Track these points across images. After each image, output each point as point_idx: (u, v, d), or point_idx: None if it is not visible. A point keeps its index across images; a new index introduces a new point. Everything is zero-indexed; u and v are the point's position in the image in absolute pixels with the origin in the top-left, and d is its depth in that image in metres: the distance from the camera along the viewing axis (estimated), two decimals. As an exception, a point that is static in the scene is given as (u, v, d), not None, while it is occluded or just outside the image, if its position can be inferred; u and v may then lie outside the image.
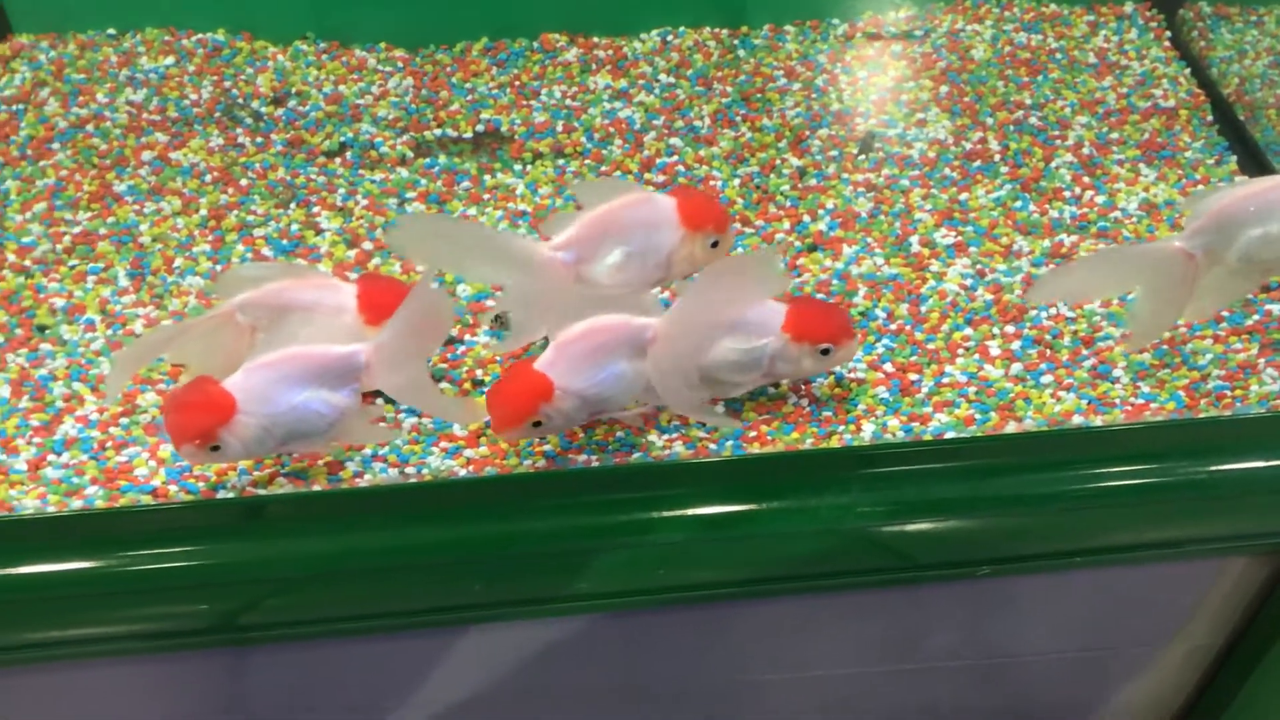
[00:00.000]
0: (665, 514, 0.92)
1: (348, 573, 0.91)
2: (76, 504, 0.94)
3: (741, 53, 1.45)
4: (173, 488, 0.95)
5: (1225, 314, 1.10)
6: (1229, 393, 1.02)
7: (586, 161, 1.29)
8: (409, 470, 0.97)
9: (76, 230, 1.19)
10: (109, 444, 0.99)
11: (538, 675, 1.05)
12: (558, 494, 0.93)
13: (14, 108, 1.34)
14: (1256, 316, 1.10)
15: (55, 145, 1.29)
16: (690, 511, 0.92)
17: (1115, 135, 1.31)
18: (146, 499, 0.95)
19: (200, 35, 1.45)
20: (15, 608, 0.86)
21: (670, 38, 1.47)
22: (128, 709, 1.01)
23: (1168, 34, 1.47)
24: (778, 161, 1.28)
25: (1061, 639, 1.12)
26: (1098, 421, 1.00)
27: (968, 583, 1.02)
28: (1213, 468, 0.93)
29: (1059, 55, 1.43)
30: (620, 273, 0.96)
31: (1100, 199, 1.23)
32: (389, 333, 0.91)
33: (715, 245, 0.99)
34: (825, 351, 0.95)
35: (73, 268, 1.15)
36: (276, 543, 0.90)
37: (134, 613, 0.90)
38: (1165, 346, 1.07)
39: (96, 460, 0.97)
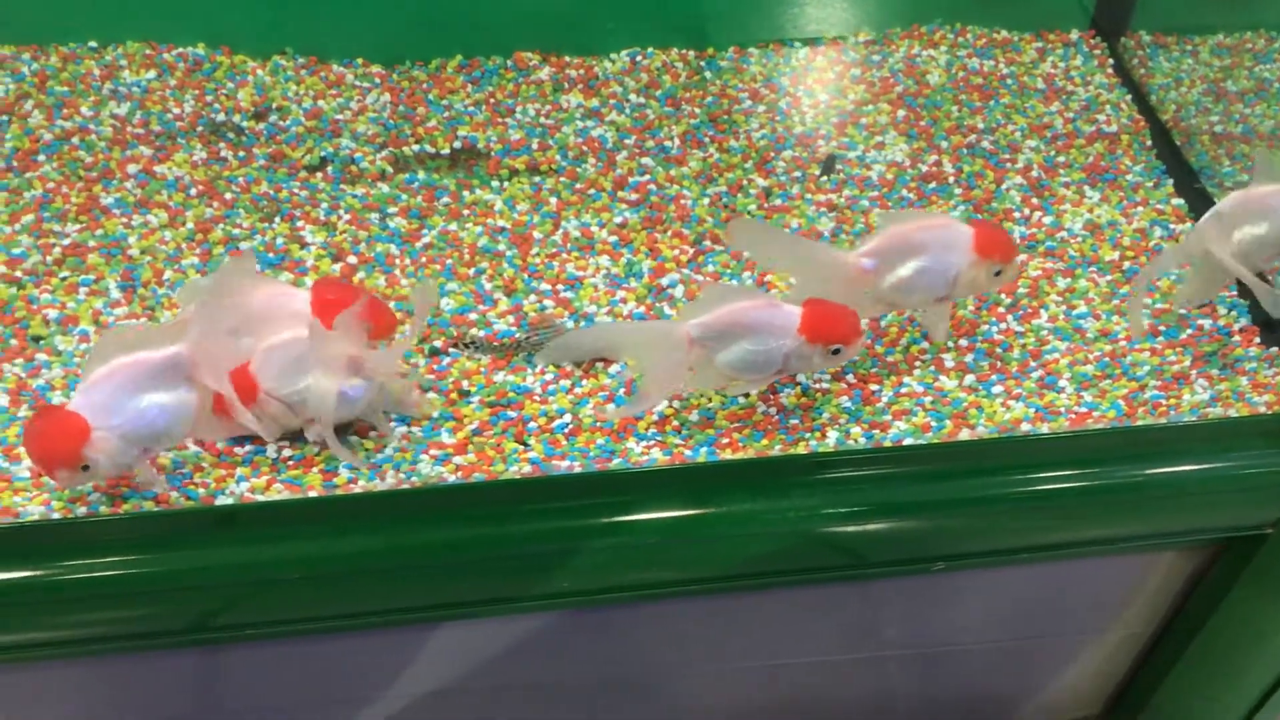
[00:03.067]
0: (641, 516, 0.98)
1: (338, 576, 0.96)
2: (80, 510, 0.98)
3: (708, 74, 1.51)
4: (174, 494, 0.99)
5: (1161, 328, 1.18)
6: (1164, 401, 1.10)
7: (561, 179, 1.35)
8: (399, 476, 1.02)
9: (66, 242, 1.22)
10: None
11: (523, 668, 1.11)
12: (543, 498, 0.99)
13: (-1, 119, 1.37)
14: (1189, 331, 1.18)
15: (41, 157, 1.32)
16: (665, 514, 0.98)
17: (1062, 159, 1.39)
18: (149, 505, 0.99)
19: (181, 49, 1.48)
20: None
21: (639, 58, 1.53)
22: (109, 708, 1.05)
23: (1111, 61, 1.55)
24: (744, 182, 1.34)
25: (1005, 629, 1.20)
26: (1044, 428, 1.07)
27: (918, 577, 1.10)
28: (1147, 471, 1.01)
29: (1010, 81, 1.51)
30: (912, 284, 1.06)
31: (1048, 219, 1.31)
32: (196, 329, 0.95)
33: (999, 274, 1.08)
34: (836, 351, 1.01)
35: (64, 279, 1.19)
36: (259, 549, 0.95)
37: (115, 614, 0.95)
38: (1107, 359, 1.14)
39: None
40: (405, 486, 1.01)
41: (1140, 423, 1.08)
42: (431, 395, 1.09)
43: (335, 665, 1.08)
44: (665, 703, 1.23)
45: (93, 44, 1.47)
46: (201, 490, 1.00)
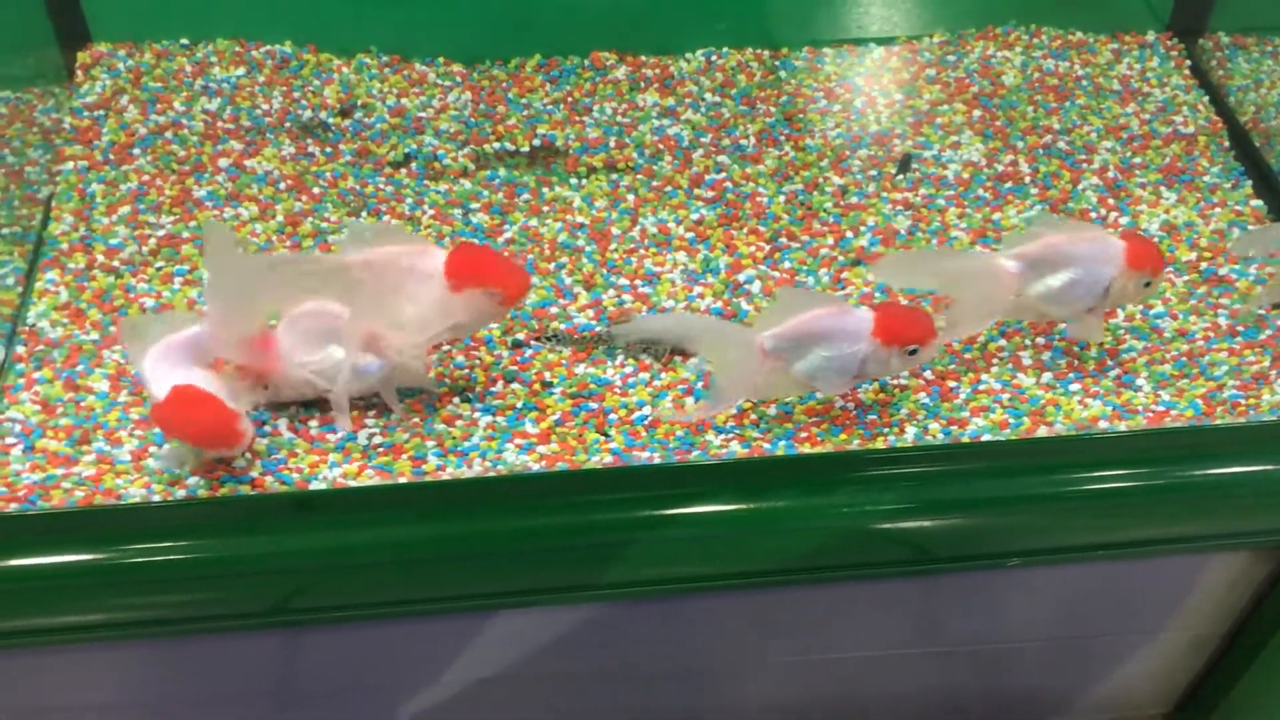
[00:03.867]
0: (717, 507, 1.01)
1: (427, 561, 1.00)
2: (180, 494, 1.02)
3: (783, 73, 1.52)
4: (269, 479, 1.03)
5: (1240, 329, 1.17)
6: (1243, 401, 1.10)
7: (639, 176, 1.37)
8: (486, 464, 1.05)
9: (161, 233, 1.26)
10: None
11: (588, 656, 1.13)
12: (624, 488, 1.02)
13: (96, 114, 1.41)
14: (1269, 331, 1.18)
15: (136, 151, 1.36)
16: (740, 506, 1.01)
17: (1138, 160, 1.39)
18: (245, 489, 1.02)
19: (268, 47, 1.52)
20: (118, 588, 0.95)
21: (714, 58, 1.55)
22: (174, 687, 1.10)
23: (1188, 62, 1.54)
24: (820, 180, 1.35)
25: (1070, 625, 1.20)
26: (1121, 427, 1.08)
27: (984, 573, 1.11)
28: (1222, 470, 1.02)
29: (1085, 82, 1.51)
30: (1063, 295, 1.07)
31: (1124, 220, 1.31)
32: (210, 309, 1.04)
33: (1148, 285, 1.09)
34: (913, 352, 1.02)
35: (159, 269, 1.23)
36: (350, 533, 0.98)
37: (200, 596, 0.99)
38: (1184, 358, 1.15)
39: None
40: (491, 474, 1.04)
41: (1219, 422, 1.08)
42: (515, 386, 1.12)
43: (414, 649, 1.11)
44: (724, 694, 1.25)
45: (184, 41, 1.52)
46: (295, 475, 1.04)
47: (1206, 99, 1.48)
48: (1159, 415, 1.09)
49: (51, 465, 1.03)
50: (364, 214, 1.31)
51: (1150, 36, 1.59)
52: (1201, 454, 1.03)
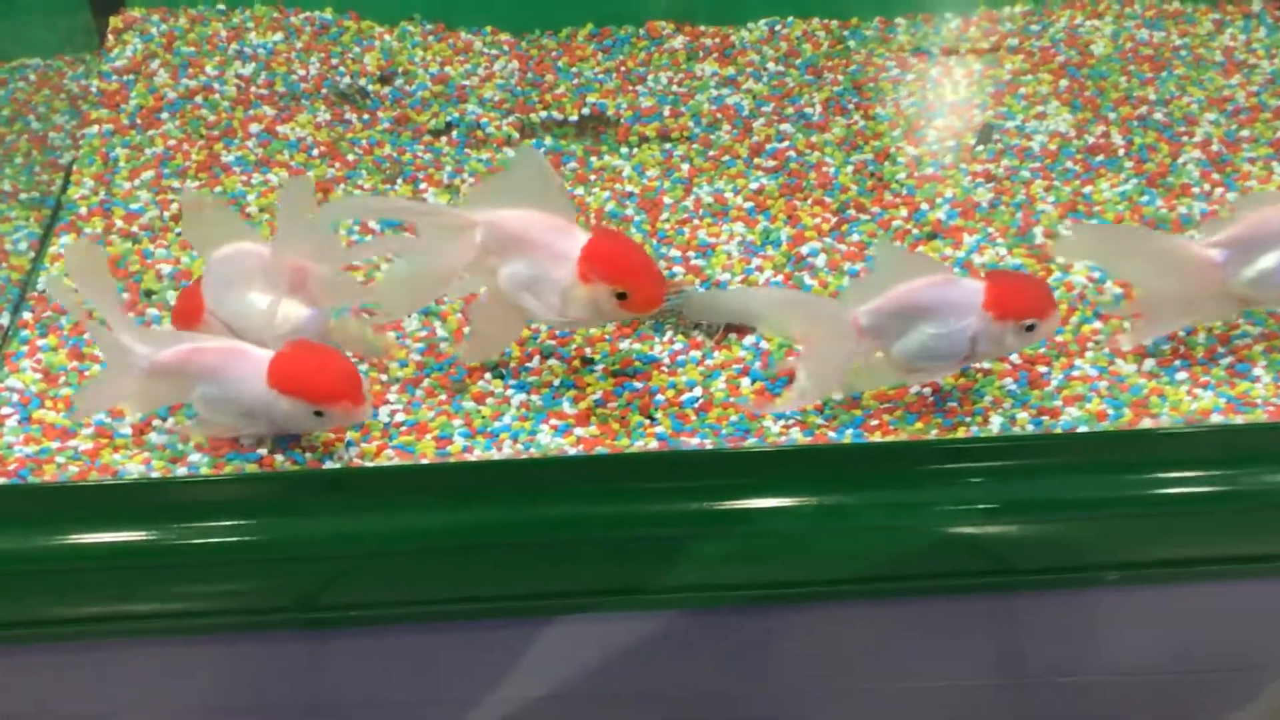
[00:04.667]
0: (770, 502, 0.90)
1: (451, 550, 0.89)
2: (181, 471, 0.93)
3: (852, 43, 1.42)
4: (279, 457, 0.94)
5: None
6: (1380, 395, 0.97)
7: (694, 146, 1.27)
8: (518, 447, 0.95)
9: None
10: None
11: (624, 674, 1.01)
12: (669, 476, 0.91)
13: (125, 78, 1.34)
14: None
15: (164, 115, 1.29)
16: (799, 500, 0.89)
17: (1246, 133, 1.26)
18: (252, 468, 0.93)
19: (308, 13, 1.45)
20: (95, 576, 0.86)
21: (778, 27, 1.45)
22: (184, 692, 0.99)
23: (1299, 32, 1.41)
24: (893, 150, 1.25)
25: (1181, 659, 1.06)
26: (1239, 421, 0.95)
27: (1077, 591, 0.98)
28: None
29: (1184, 52, 1.39)
30: (1275, 277, 0.95)
31: (1231, 196, 1.18)
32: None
33: None
34: (1030, 327, 0.90)
35: (179, 235, 1.15)
36: (373, 516, 0.88)
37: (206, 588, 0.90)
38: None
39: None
40: (523, 457, 0.94)
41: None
42: (553, 362, 1.02)
43: (437, 660, 1.00)
44: None
45: (220, 7, 1.45)
46: (308, 455, 0.94)
47: (1322, 71, 1.35)
48: (1280, 409, 0.96)
49: (47, 437, 0.95)
50: (400, 181, 1.22)
51: (1255, 5, 1.46)
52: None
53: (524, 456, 0.94)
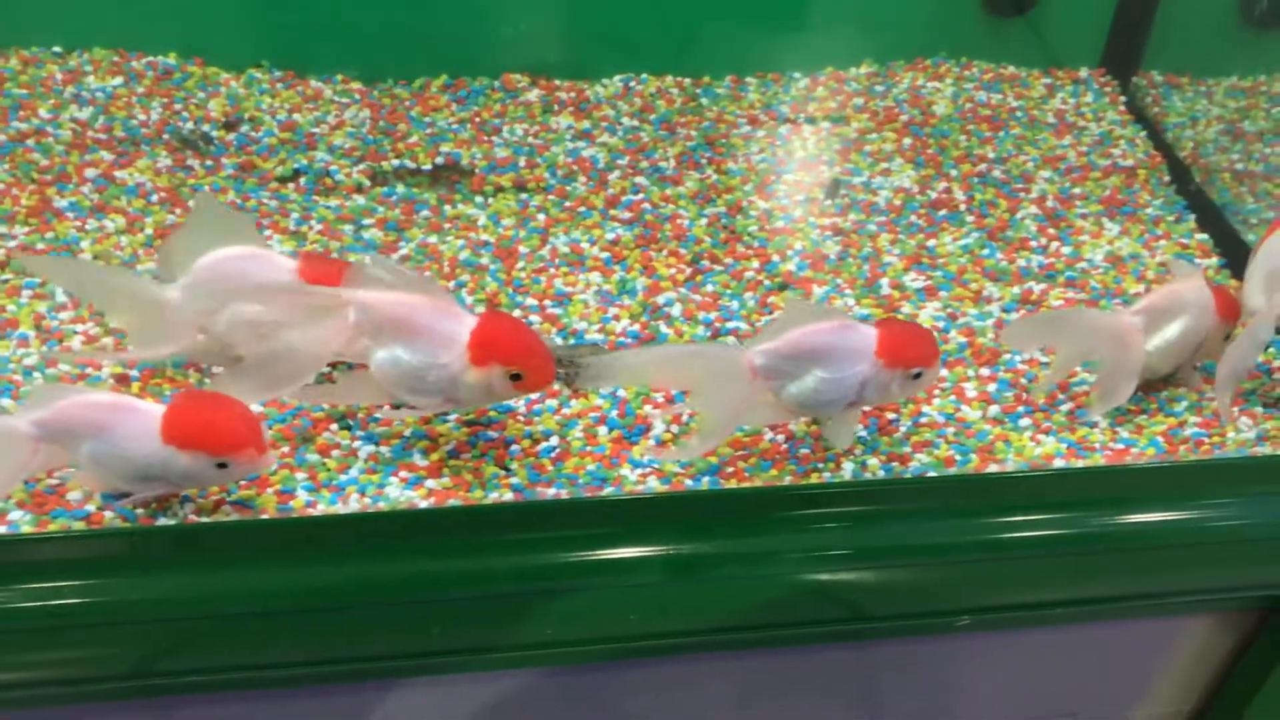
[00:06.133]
0: (630, 552, 0.88)
1: (293, 612, 0.85)
2: (0, 529, 0.87)
3: (704, 100, 1.44)
4: (109, 514, 0.88)
5: (1198, 364, 1.09)
6: (1207, 440, 1.01)
7: (550, 196, 1.26)
8: (365, 501, 0.91)
9: (13, 244, 1.13)
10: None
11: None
12: (525, 527, 0.89)
13: (-54, 120, 1.27)
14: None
15: (-9, 159, 1.23)
16: (657, 550, 0.88)
17: (1077, 190, 1.32)
18: (79, 525, 0.87)
19: (151, 58, 1.40)
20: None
21: (633, 84, 1.46)
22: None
23: (1123, 98, 1.49)
24: (745, 203, 1.26)
25: (1028, 704, 1.08)
26: (1078, 465, 0.98)
27: (927, 639, 0.99)
28: (1197, 514, 0.92)
29: (1019, 114, 1.45)
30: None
31: (1066, 250, 1.23)
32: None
33: (1227, 338, 1.04)
34: (917, 375, 0.91)
35: (5, 281, 1.08)
36: (211, 576, 0.83)
37: (46, 656, 0.83)
38: (1141, 394, 1.06)
39: (25, 483, 0.90)
40: (371, 510, 0.90)
41: (1185, 460, 0.99)
42: (404, 411, 0.99)
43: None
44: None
45: (57, 49, 1.39)
46: (139, 511, 0.89)
47: (1143, 134, 1.43)
48: (1119, 453, 1.00)
49: None
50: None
51: (1083, 72, 1.54)
52: (1177, 495, 0.93)
53: (371, 510, 0.90)
